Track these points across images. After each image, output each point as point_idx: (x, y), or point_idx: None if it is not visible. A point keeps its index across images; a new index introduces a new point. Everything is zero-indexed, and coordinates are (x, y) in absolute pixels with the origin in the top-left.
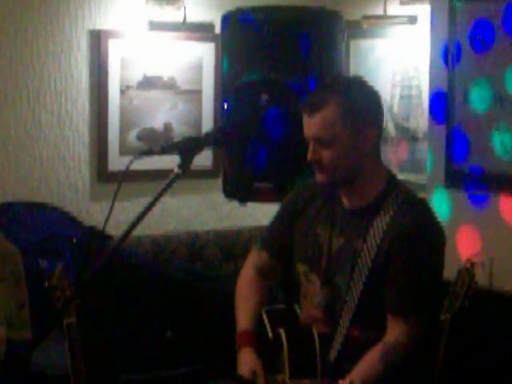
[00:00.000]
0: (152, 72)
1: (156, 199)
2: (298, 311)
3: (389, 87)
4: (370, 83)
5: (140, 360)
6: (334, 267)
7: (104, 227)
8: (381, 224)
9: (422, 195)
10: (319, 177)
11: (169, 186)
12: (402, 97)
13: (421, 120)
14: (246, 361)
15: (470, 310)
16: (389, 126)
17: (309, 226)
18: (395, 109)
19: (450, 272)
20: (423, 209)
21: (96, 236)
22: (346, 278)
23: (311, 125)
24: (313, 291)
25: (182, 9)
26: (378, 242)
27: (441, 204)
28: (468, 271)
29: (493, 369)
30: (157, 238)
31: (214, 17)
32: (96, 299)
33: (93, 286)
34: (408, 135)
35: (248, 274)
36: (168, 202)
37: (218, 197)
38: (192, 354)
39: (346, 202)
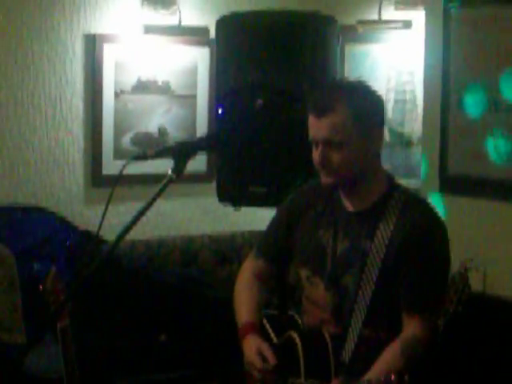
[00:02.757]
0: (146, 76)
1: (150, 203)
2: (296, 317)
3: (383, 92)
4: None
5: (133, 364)
6: (340, 269)
7: (98, 231)
8: (387, 224)
9: None
10: (326, 179)
11: (163, 190)
12: (396, 102)
13: (415, 125)
14: (253, 344)
15: (464, 315)
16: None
17: (310, 230)
18: (389, 114)
19: None
20: (427, 207)
21: (90, 240)
22: (355, 279)
23: (321, 127)
24: (317, 294)
25: (177, 13)
26: (387, 242)
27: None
28: (462, 276)
29: (487, 373)
30: (151, 242)
31: (209, 21)
32: (89, 303)
33: (86, 290)
34: (402, 140)
35: (246, 278)
36: (162, 206)
37: (212, 201)
38: (186, 357)
39: (348, 204)
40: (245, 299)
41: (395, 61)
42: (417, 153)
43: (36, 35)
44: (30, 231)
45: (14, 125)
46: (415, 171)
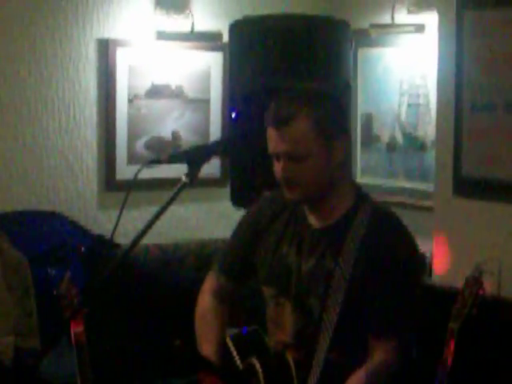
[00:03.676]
0: (160, 81)
1: (164, 208)
2: (262, 334)
3: (396, 96)
4: (334, 92)
5: (148, 368)
6: (305, 289)
7: (112, 236)
8: (353, 242)
9: (429, 204)
10: (290, 194)
11: (177, 194)
12: (409, 105)
13: (429, 128)
14: None
15: (479, 318)
16: (396, 135)
17: (274, 245)
18: (403, 117)
19: (458, 280)
20: (394, 224)
21: (104, 244)
22: (320, 301)
23: (280, 140)
24: (282, 316)
25: (190, 18)
26: (352, 262)
27: (449, 213)
28: (476, 279)
29: (502, 376)
30: (165, 246)
31: (222, 26)
32: (103, 308)
33: (101, 295)
34: (416, 144)
35: (205, 301)
36: (176, 210)
37: (226, 205)
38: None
39: (313, 220)
40: (205, 331)
41: (408, 64)
42: (430, 156)
43: (49, 40)
44: (44, 236)
45: (28, 130)
46: (429, 175)
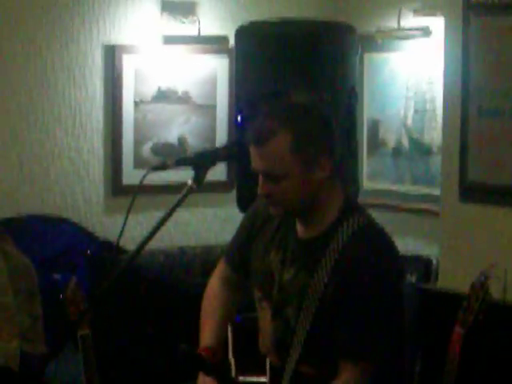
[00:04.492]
0: (166, 86)
1: (170, 213)
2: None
3: (403, 101)
4: (319, 107)
5: (153, 373)
6: (284, 298)
7: (118, 241)
8: (329, 259)
9: (435, 209)
10: (272, 209)
11: (183, 199)
12: (416, 110)
13: (435, 133)
14: (201, 378)
15: (485, 323)
16: (403, 140)
17: (263, 249)
18: (409, 122)
19: (464, 285)
20: (374, 243)
21: (110, 249)
22: (296, 312)
23: (259, 158)
24: (265, 320)
25: (197, 22)
26: (326, 279)
27: (455, 218)
28: (482, 284)
29: (508, 382)
30: (171, 251)
31: (228, 30)
32: (109, 313)
33: (107, 300)
34: (422, 149)
35: (213, 286)
36: (182, 215)
37: (232, 210)
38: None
39: (300, 230)
40: (210, 314)
41: (414, 69)
42: (437, 161)
43: (56, 46)
44: (50, 241)
45: (34, 135)
46: (435, 180)
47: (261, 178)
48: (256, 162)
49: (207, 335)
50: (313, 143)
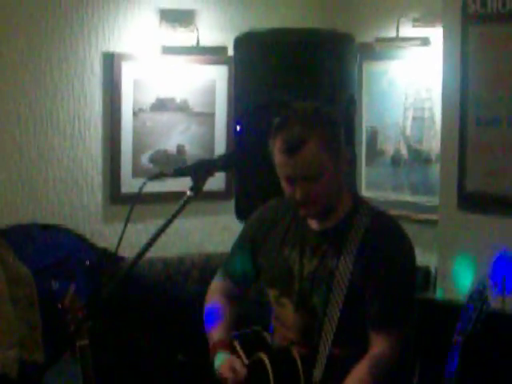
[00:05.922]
0: (165, 94)
1: (169, 221)
2: (265, 334)
3: (401, 109)
4: (326, 108)
5: (151, 382)
6: (308, 289)
7: (117, 249)
8: (353, 242)
9: (434, 218)
10: (305, 211)
11: (181, 208)
12: (414, 119)
13: (433, 142)
14: (226, 360)
15: (483, 333)
16: (401, 149)
17: (275, 249)
18: (408, 131)
19: (462, 294)
20: (392, 224)
21: (109, 258)
22: (323, 299)
23: (293, 165)
24: (286, 315)
25: (195, 32)
26: (353, 260)
27: (453, 227)
28: (480, 294)
29: None
30: (169, 260)
31: (227, 39)
32: (108, 321)
33: (105, 308)
34: (421, 157)
35: (216, 299)
36: (181, 224)
37: (231, 219)
38: (203, 377)
39: (313, 223)
40: (215, 322)
41: (413, 78)
42: (435, 170)
43: (54, 54)
44: (48, 249)
45: (33, 143)
46: (434, 188)
47: (290, 185)
48: (289, 169)
49: (217, 333)
50: (337, 139)
